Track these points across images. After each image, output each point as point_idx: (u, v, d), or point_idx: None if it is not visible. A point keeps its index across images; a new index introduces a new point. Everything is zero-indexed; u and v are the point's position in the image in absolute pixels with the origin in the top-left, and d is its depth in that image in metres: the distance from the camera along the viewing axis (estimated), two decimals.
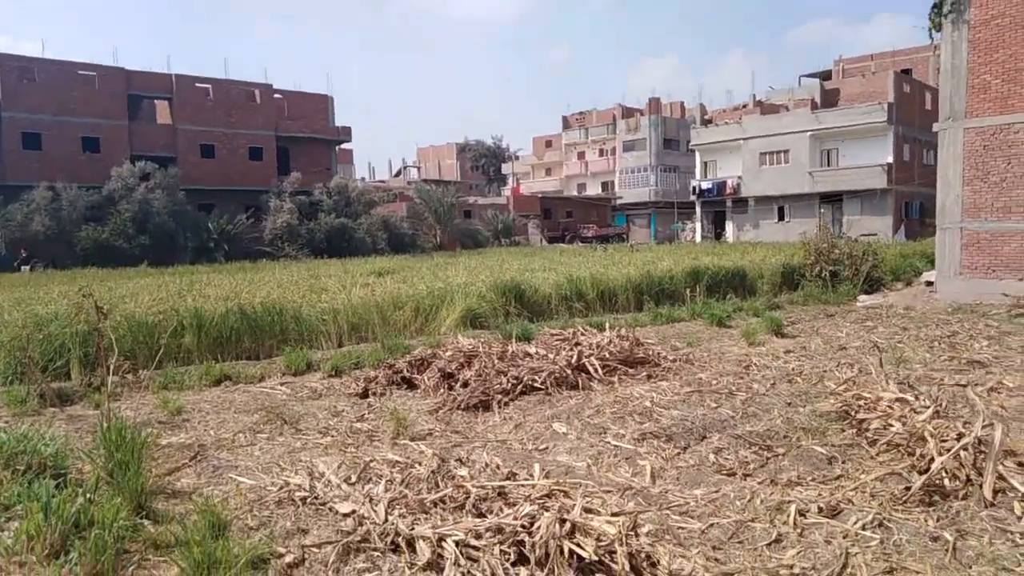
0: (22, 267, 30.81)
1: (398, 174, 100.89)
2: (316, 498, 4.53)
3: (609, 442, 5.97)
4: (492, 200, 60.76)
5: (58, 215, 33.35)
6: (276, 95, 44.05)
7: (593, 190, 72.71)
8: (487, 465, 4.80)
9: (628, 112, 70.98)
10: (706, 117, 48.32)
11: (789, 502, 4.51)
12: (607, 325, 10.68)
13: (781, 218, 42.74)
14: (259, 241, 37.66)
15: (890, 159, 37.92)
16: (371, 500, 4.25)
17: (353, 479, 4.92)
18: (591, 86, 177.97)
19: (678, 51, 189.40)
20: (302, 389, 8.33)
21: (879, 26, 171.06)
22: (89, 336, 8.89)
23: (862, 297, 16.65)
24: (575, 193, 72.63)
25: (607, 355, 8.63)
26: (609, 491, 4.82)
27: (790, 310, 14.91)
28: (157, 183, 35.74)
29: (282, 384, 8.56)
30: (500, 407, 7.26)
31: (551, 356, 8.48)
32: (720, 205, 46.32)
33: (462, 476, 4.52)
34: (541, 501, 3.92)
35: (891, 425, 5.60)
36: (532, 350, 8.85)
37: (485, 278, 13.98)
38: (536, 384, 7.82)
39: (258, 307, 10.12)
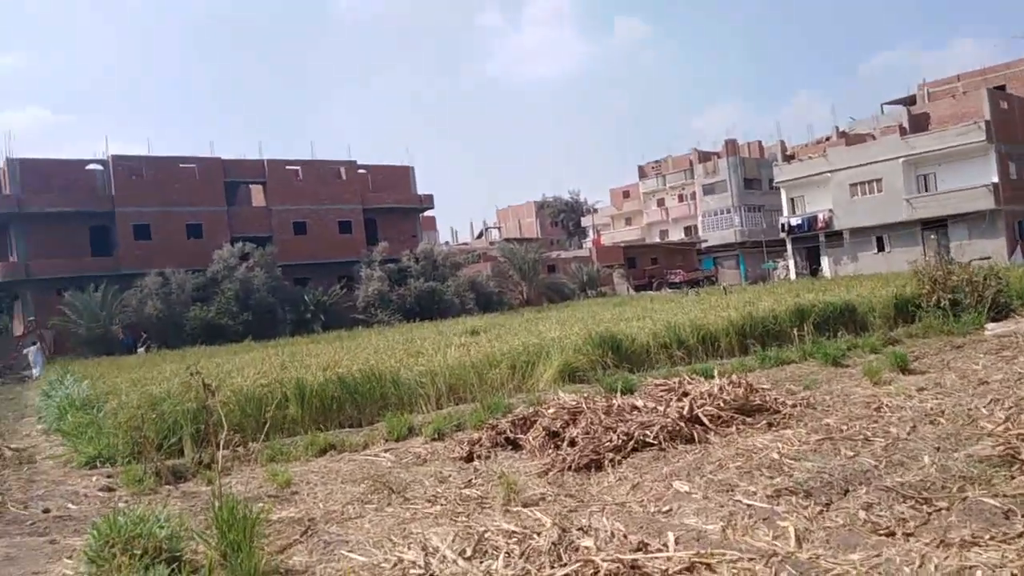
0: (139, 349, 32.70)
1: (480, 236, 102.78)
2: None
3: (740, 501, 5.44)
4: (575, 253, 60.73)
5: (168, 299, 35.42)
6: (360, 170, 45.95)
7: (676, 236, 71.67)
8: (612, 535, 4.40)
9: (704, 156, 70.17)
10: (787, 153, 47.04)
11: (972, 568, 3.89)
12: (715, 372, 10.13)
13: (881, 248, 40.60)
14: (353, 310, 38.75)
15: (995, 178, 35.60)
16: None
17: (468, 553, 4.62)
18: (656, 136, 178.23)
19: (743, 94, 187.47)
20: (406, 455, 8.16)
21: (955, 51, 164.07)
22: (199, 413, 9.08)
23: (990, 325, 15.27)
24: (657, 240, 71.78)
25: (721, 404, 8.08)
26: (752, 558, 4.32)
27: (910, 344, 13.80)
28: (256, 262, 37.55)
29: (386, 451, 8.42)
30: (612, 466, 6.84)
31: (660, 408, 8.01)
32: (812, 240, 44.53)
33: (587, 548, 4.14)
34: None
35: None
36: (639, 403, 8.40)
37: (579, 331, 13.64)
38: (648, 439, 7.36)
39: (356, 374, 10.11)
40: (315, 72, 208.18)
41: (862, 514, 4.93)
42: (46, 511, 6.45)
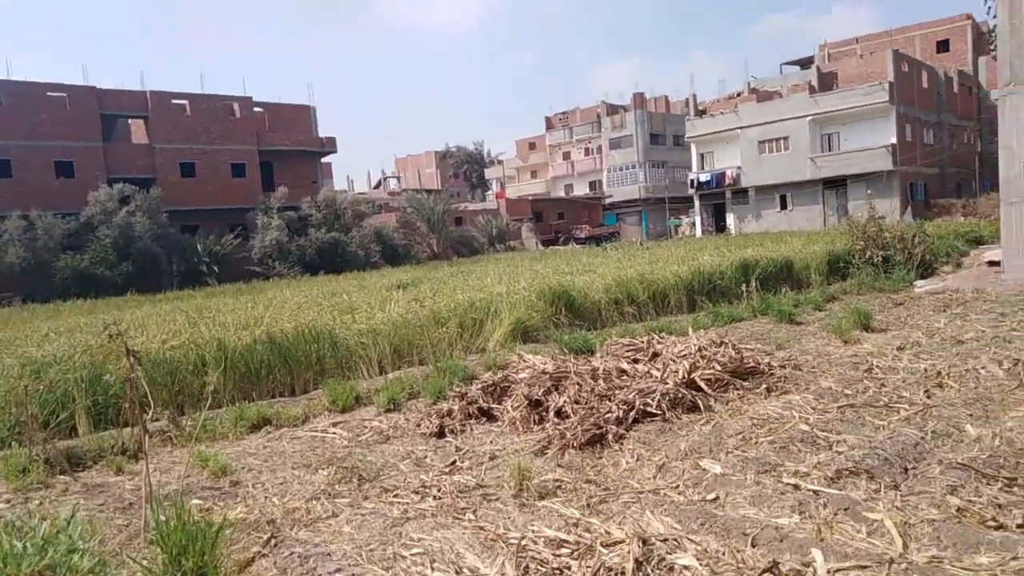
0: None
1: (378, 185, 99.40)
2: None
3: (796, 485, 4.65)
4: (483, 206, 59.48)
5: (33, 245, 31.51)
6: (256, 108, 42.45)
7: (581, 190, 71.67)
8: (704, 549, 3.45)
9: (612, 109, 70.00)
10: (699, 108, 47.39)
11: None
12: (689, 330, 9.43)
13: (784, 207, 41.82)
14: (248, 261, 36.02)
15: (894, 140, 37.12)
16: None
17: None
18: (558, 88, 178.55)
19: (640, 51, 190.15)
20: (361, 430, 6.94)
21: (838, 18, 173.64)
22: (96, 382, 7.46)
23: (919, 282, 15.51)
24: (562, 194, 71.55)
25: (716, 367, 7.32)
26: (865, 566, 3.50)
27: (848, 300, 13.72)
28: (137, 206, 34.02)
29: (335, 425, 7.16)
30: (617, 441, 5.93)
31: (655, 373, 7.15)
32: (719, 197, 45.33)
33: (684, 568, 3.17)
34: None
35: None
36: (625, 366, 7.53)
37: (525, 285, 12.63)
38: (650, 409, 6.49)
39: (289, 334, 8.68)
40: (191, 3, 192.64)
41: (952, 500, 4.24)
42: None
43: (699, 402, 6.69)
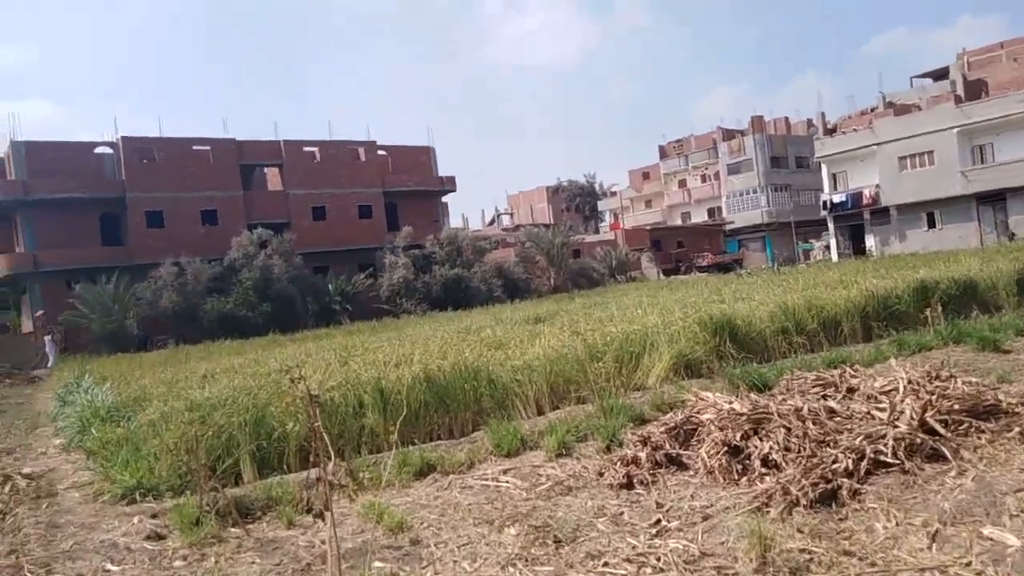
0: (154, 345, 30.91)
1: (492, 222, 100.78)
2: None
3: None
4: (599, 238, 58.73)
5: (184, 290, 33.58)
6: (380, 151, 43.93)
7: (698, 218, 69.56)
8: None
9: (729, 134, 67.79)
10: (828, 126, 44.76)
11: None
12: (892, 361, 8.22)
13: (932, 225, 38.43)
14: (377, 299, 36.87)
15: None
16: None
17: None
18: (664, 118, 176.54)
19: (746, 77, 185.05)
20: (536, 479, 6.26)
21: (963, 28, 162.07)
22: (259, 425, 7.23)
23: None
24: (679, 223, 69.65)
25: (953, 404, 6.16)
26: None
27: None
28: (274, 249, 35.65)
29: (505, 473, 6.52)
30: (853, 498, 4.94)
31: (879, 414, 6.08)
32: (856, 219, 42.35)
33: None
34: None
35: None
36: (835, 406, 6.49)
37: (680, 315, 11.71)
38: (883, 457, 5.44)
39: (447, 372, 8.21)
40: (314, 57, 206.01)
41: None
42: None
43: (943, 448, 5.57)
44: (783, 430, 5.96)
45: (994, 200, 36.11)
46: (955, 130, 36.47)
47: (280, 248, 35.78)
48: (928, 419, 5.96)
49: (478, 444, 7.47)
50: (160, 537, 5.44)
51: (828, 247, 44.59)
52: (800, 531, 4.47)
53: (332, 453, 4.55)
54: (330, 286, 36.29)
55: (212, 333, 31.29)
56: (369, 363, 9.83)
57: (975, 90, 38.68)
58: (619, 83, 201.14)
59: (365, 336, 17.67)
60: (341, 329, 26.26)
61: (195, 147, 38.45)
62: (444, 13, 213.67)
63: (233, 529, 5.54)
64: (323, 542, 5.18)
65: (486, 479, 6.41)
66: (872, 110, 44.04)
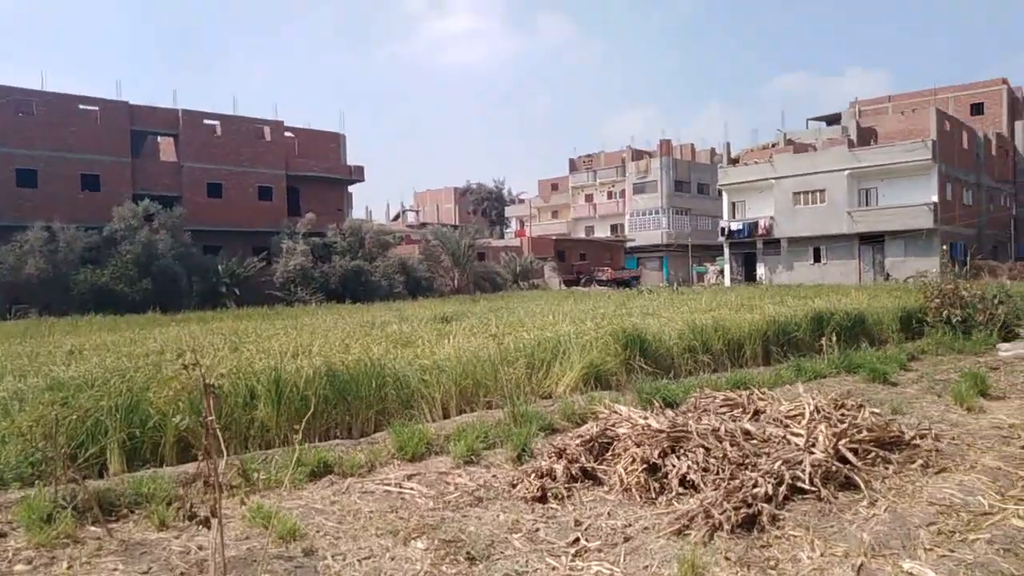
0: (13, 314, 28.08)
1: (396, 218, 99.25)
2: None
3: None
4: (505, 243, 58.75)
5: (54, 257, 30.77)
6: (287, 133, 42.06)
7: (601, 233, 71.08)
8: None
9: (638, 154, 69.80)
10: (732, 156, 46.73)
11: None
12: (799, 387, 8.34)
13: (817, 259, 40.80)
14: (269, 285, 35.13)
15: (935, 198, 36.22)
16: None
17: None
18: (573, 133, 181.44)
19: (660, 102, 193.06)
20: (443, 487, 5.85)
21: (852, 79, 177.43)
22: (132, 411, 6.42)
23: (1003, 346, 14.32)
24: (583, 236, 70.92)
25: (864, 433, 6.22)
26: None
27: (927, 361, 12.66)
28: (161, 224, 33.32)
29: (409, 479, 6.06)
30: (772, 523, 4.83)
31: (793, 439, 6.05)
32: (750, 247, 44.39)
33: None
34: None
35: None
36: (750, 427, 6.43)
37: (592, 325, 11.59)
38: (800, 484, 5.38)
39: (350, 366, 7.65)
40: (227, 33, 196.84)
41: None
42: None
43: (855, 477, 5.58)
44: (702, 450, 5.83)
45: (874, 241, 38.75)
46: (846, 172, 38.92)
47: (168, 223, 33.48)
48: (841, 448, 5.99)
49: (380, 445, 6.96)
50: (2, 536, 4.63)
51: (722, 271, 46.51)
52: (727, 558, 4.28)
53: (225, 450, 3.96)
54: (219, 267, 34.26)
55: (83, 306, 28.80)
56: (263, 351, 9.08)
57: (866, 137, 41.47)
58: (536, 94, 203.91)
59: (257, 322, 16.60)
60: (228, 313, 24.73)
61: (82, 105, 35.40)
62: (365, 3, 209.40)
63: (93, 528, 4.81)
64: (200, 548, 4.56)
65: (389, 484, 5.93)
66: (773, 145, 46.50)
